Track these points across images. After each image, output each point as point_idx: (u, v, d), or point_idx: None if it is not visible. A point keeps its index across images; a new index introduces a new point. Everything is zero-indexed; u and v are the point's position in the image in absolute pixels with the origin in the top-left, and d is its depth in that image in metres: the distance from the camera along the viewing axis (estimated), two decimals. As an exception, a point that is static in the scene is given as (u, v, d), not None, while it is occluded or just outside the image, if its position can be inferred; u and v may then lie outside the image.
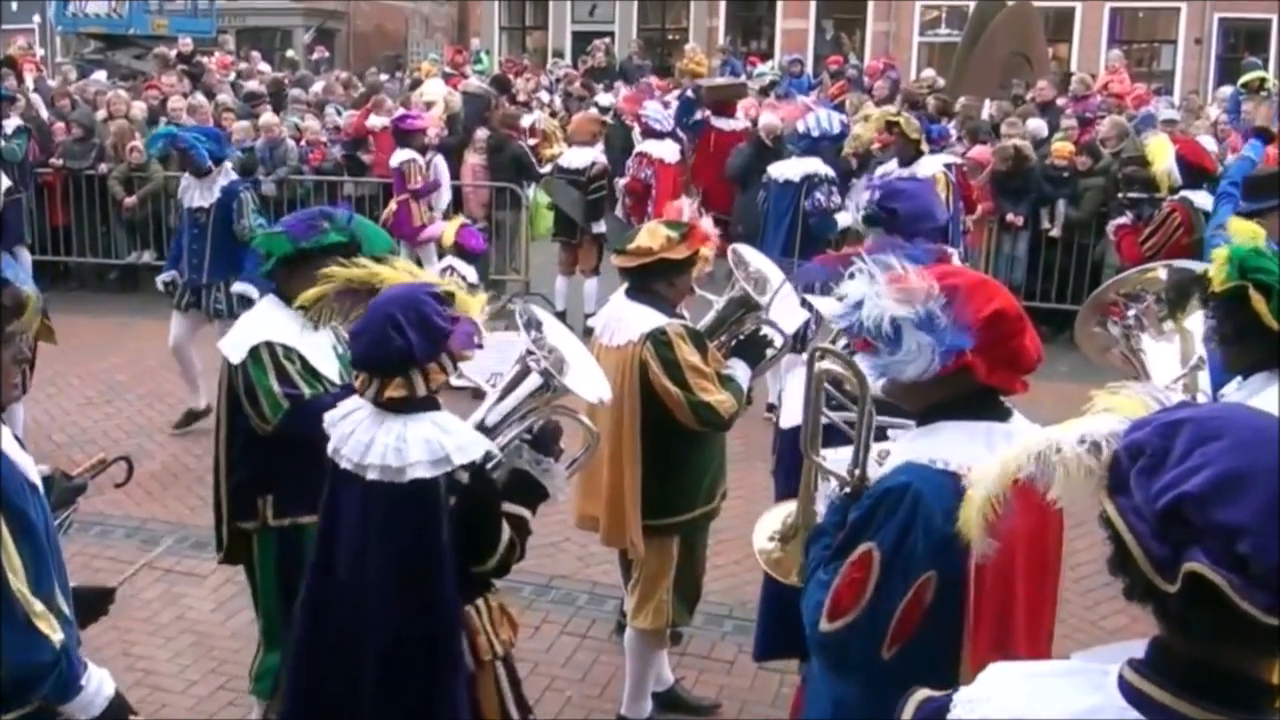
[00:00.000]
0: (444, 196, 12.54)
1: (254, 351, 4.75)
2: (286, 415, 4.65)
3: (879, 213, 6.08)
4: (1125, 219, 9.16)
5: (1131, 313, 3.95)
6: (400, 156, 11.96)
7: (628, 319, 4.96)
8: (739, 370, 4.99)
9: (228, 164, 9.29)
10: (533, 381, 3.63)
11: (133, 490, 7.92)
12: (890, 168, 9.76)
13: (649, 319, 4.89)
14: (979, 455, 2.68)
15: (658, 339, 4.82)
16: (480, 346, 3.63)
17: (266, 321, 4.86)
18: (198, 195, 8.99)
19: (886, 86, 16.86)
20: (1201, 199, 8.75)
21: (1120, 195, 11.18)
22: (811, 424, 3.40)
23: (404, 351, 3.46)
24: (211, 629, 6.25)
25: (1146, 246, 8.43)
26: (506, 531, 3.60)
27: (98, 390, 9.99)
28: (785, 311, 5.13)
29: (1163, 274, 4.00)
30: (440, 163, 12.49)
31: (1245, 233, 4.02)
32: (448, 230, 9.76)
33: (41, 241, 13.43)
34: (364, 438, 3.53)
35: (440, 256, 10.06)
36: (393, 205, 11.97)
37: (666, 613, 5.16)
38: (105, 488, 4.31)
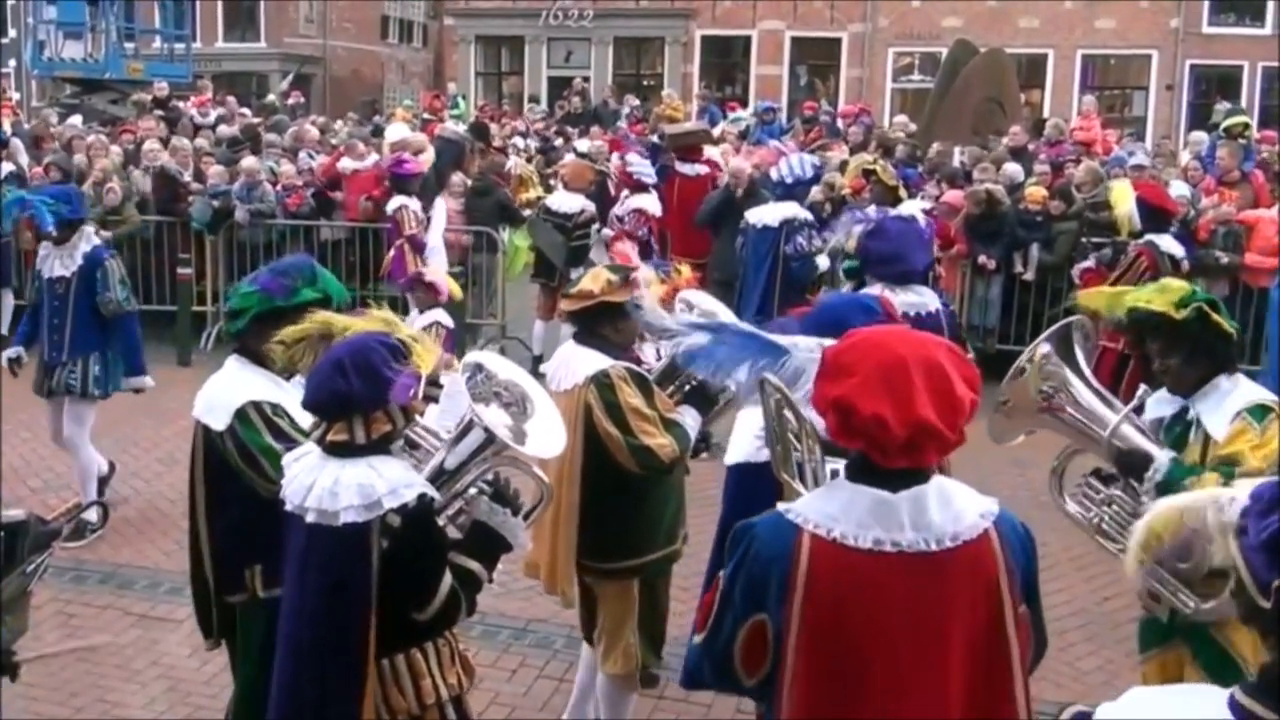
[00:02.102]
0: (436, 230, 12.12)
1: (241, 414, 4.57)
2: None
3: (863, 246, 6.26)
4: (1090, 263, 9.25)
5: (1058, 400, 4.12)
6: (395, 203, 11.88)
7: (574, 363, 5.01)
8: (687, 416, 4.97)
9: (88, 228, 8.42)
10: (477, 436, 3.65)
11: (108, 535, 7.95)
12: (873, 213, 9.79)
13: (594, 362, 4.93)
14: (831, 513, 2.76)
15: (600, 381, 4.86)
16: (427, 399, 3.65)
17: (241, 382, 4.67)
18: (58, 264, 8.07)
19: (860, 132, 17.02)
20: (1167, 243, 8.86)
21: (1084, 239, 11.27)
22: (781, 446, 3.46)
23: (344, 396, 3.50)
24: (187, 674, 6.23)
25: (1113, 291, 8.53)
26: (448, 580, 3.57)
27: (72, 435, 9.94)
28: None
29: (1044, 348, 4.21)
30: (438, 203, 12.26)
31: (1169, 289, 4.36)
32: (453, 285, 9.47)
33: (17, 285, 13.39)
34: (306, 480, 3.57)
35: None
36: (392, 252, 11.84)
37: (635, 656, 5.16)
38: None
